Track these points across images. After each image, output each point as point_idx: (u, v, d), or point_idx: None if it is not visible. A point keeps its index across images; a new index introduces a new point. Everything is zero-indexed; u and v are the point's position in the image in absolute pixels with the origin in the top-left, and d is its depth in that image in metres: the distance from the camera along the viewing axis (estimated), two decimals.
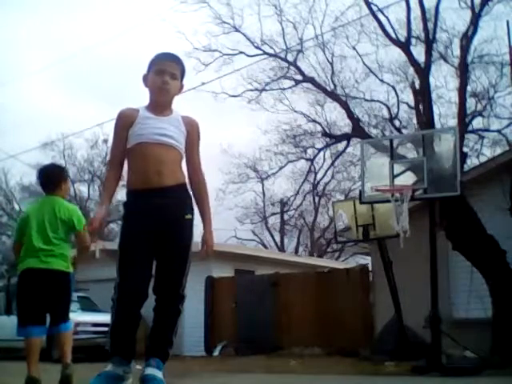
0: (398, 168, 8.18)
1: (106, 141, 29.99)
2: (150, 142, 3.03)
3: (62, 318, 4.53)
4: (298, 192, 20.17)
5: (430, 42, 12.07)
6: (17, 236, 4.77)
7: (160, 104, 3.12)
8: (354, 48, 14.62)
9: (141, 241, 2.98)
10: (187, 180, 3.17)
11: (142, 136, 3.02)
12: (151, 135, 3.03)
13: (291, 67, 14.52)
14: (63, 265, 4.51)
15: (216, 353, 13.53)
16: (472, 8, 12.16)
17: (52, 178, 4.74)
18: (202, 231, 3.15)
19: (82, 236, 4.64)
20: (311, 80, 14.45)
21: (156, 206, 2.99)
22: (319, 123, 15.82)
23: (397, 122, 14.41)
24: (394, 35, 12.49)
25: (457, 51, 13.08)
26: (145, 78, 3.15)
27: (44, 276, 4.44)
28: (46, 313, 4.53)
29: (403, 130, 14.00)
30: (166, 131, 3.08)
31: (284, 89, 15.40)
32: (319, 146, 16.05)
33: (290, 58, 14.52)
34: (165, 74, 3.07)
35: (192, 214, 3.10)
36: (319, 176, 19.15)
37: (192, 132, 3.18)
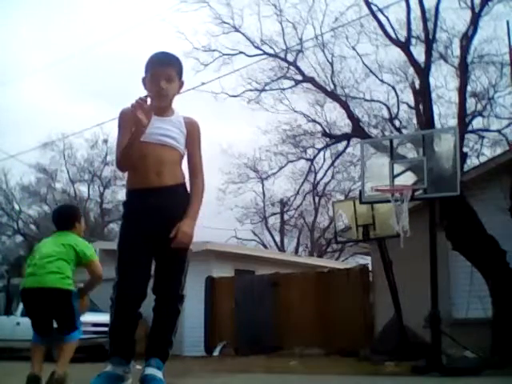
0: (398, 168, 8.18)
1: (106, 141, 30.05)
2: (150, 142, 3.02)
3: (64, 330, 4.53)
4: (298, 192, 20.23)
5: (430, 42, 12.07)
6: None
7: (160, 107, 3.12)
8: (354, 48, 14.66)
9: (140, 240, 2.98)
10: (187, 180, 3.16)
11: (143, 136, 3.00)
12: (152, 135, 3.02)
13: (291, 67, 14.54)
14: (61, 282, 4.44)
15: (216, 353, 13.54)
16: (472, 8, 12.18)
17: (65, 217, 4.79)
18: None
19: (95, 265, 4.61)
20: (311, 80, 14.46)
21: (155, 205, 2.99)
22: (319, 123, 15.87)
23: (397, 122, 14.46)
24: (394, 35, 12.51)
25: (457, 51, 13.13)
26: (144, 81, 3.13)
27: (40, 295, 4.43)
28: (50, 324, 4.55)
29: (403, 130, 14.03)
30: (167, 132, 3.07)
31: (284, 89, 15.43)
32: (319, 146, 16.11)
33: (290, 58, 14.54)
34: (160, 80, 3.04)
35: None
36: (319, 176, 19.22)
37: (192, 132, 3.18)
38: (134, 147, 2.94)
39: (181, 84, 3.17)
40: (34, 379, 4.28)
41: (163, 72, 3.06)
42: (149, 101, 2.91)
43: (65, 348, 4.50)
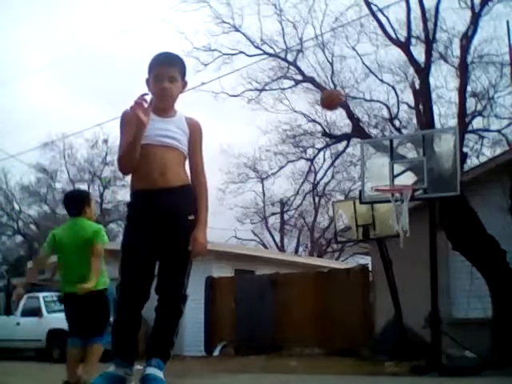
0: (397, 168, 8.19)
1: (106, 141, 30.05)
2: (153, 143, 3.01)
3: (91, 333, 4.73)
4: (297, 192, 20.20)
5: (430, 42, 12.07)
6: (47, 249, 4.98)
7: (163, 108, 3.11)
8: (354, 48, 14.65)
9: (144, 241, 2.98)
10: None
11: (146, 137, 2.99)
12: (155, 137, 3.02)
13: (291, 67, 14.52)
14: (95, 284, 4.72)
15: (216, 353, 13.54)
16: (472, 8, 12.17)
17: (75, 203, 5.00)
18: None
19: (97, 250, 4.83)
20: (311, 80, 14.45)
21: (159, 206, 2.98)
22: (319, 123, 15.85)
23: (397, 122, 14.44)
24: (394, 35, 12.50)
25: (457, 51, 13.10)
26: (147, 82, 3.12)
27: (77, 298, 4.70)
28: (82, 327, 4.77)
29: (403, 130, 14.02)
30: (170, 132, 3.06)
31: (284, 89, 15.41)
32: (319, 146, 16.08)
33: (290, 57, 14.52)
34: (163, 80, 3.03)
35: (195, 214, 3.08)
36: (319, 176, 19.21)
37: (194, 133, 3.17)
38: (136, 147, 2.93)
39: (184, 84, 3.16)
40: None
41: (166, 72, 3.05)
42: (148, 97, 2.91)
43: (89, 352, 4.69)
